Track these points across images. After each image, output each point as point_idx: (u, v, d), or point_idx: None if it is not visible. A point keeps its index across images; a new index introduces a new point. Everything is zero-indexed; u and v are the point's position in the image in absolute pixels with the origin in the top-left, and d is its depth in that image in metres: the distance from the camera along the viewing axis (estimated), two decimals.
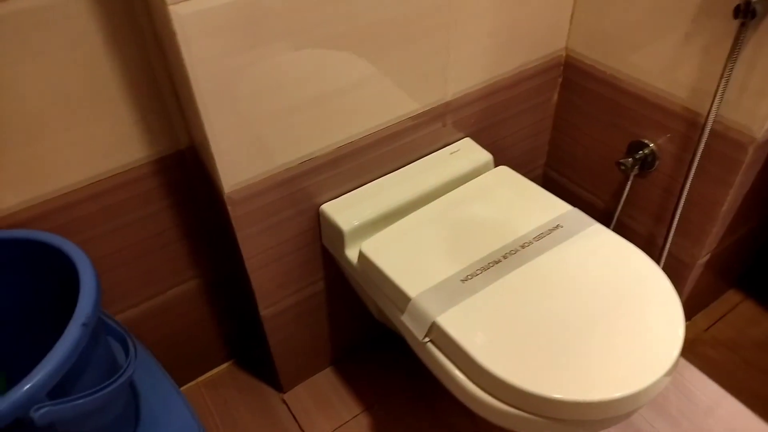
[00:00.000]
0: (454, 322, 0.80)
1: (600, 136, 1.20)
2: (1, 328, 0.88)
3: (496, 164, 1.11)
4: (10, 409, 0.63)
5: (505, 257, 0.88)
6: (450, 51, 0.98)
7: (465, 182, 1.05)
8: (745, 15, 0.83)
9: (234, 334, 1.29)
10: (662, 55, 1.01)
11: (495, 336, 0.78)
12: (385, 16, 0.86)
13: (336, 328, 1.24)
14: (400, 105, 0.98)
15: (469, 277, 0.85)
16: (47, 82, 0.78)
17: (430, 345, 0.83)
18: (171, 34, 0.71)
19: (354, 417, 1.21)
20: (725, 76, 0.89)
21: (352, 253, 0.97)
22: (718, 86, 0.91)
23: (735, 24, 0.88)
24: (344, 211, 0.98)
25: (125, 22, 0.79)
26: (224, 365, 1.32)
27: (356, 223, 0.96)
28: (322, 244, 1.06)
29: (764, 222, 1.26)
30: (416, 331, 0.83)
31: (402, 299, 0.85)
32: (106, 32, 0.79)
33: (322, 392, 1.26)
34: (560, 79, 1.22)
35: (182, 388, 1.27)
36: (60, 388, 0.68)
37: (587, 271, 0.86)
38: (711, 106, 0.93)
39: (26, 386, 0.64)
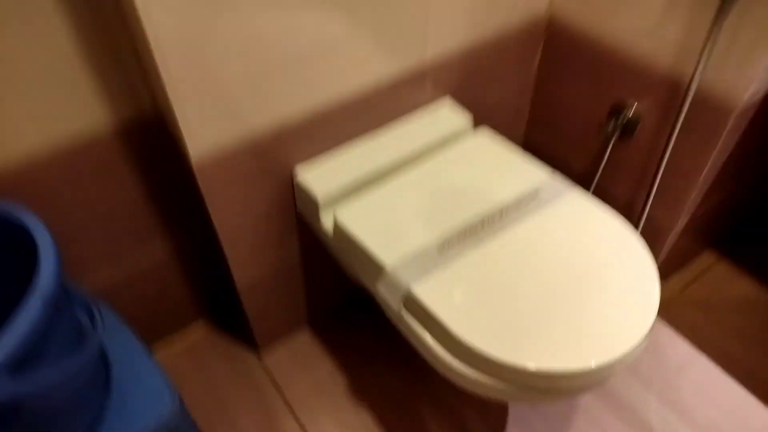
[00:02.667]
0: (429, 292, 0.79)
1: (582, 100, 1.18)
2: None
3: (477, 126, 1.09)
4: None
5: (483, 226, 0.87)
6: (429, 9, 0.94)
7: (445, 145, 1.03)
8: None
9: (209, 294, 1.28)
10: (647, 17, 0.98)
11: (470, 305, 0.77)
12: None
13: (313, 290, 1.23)
14: (379, 65, 0.95)
15: (446, 245, 0.84)
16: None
17: (405, 313, 0.82)
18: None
19: (331, 375, 1.22)
20: (710, 40, 0.87)
21: (327, 221, 0.95)
22: (703, 51, 0.88)
23: None
24: (319, 177, 0.95)
25: None
26: (200, 326, 1.31)
27: (331, 190, 0.94)
28: (297, 211, 1.03)
29: (741, 186, 1.26)
30: (391, 300, 0.82)
31: (377, 268, 0.84)
32: None
33: (299, 351, 1.26)
34: (542, 42, 1.18)
35: (157, 352, 1.26)
36: (21, 363, 0.67)
37: (564, 239, 0.86)
38: (695, 71, 0.91)
39: None
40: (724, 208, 1.28)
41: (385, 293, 0.83)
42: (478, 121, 1.19)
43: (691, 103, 0.96)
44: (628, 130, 1.10)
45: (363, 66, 0.93)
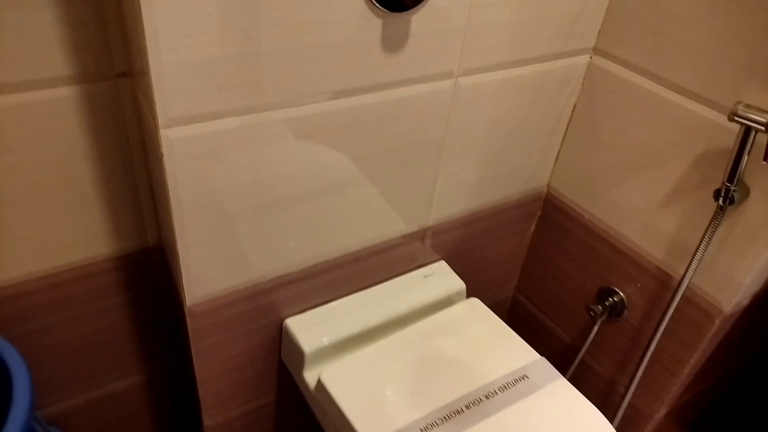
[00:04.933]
0: None
1: (571, 274, 1.21)
2: None
3: (468, 285, 1.10)
4: None
5: (467, 407, 0.86)
6: (438, 181, 0.98)
7: (436, 309, 1.04)
8: (724, 200, 0.86)
9: (178, 427, 1.21)
10: (642, 212, 1.03)
11: None
12: (382, 146, 0.86)
13: None
14: (382, 225, 0.97)
15: (428, 427, 0.82)
16: (19, 175, 0.74)
17: None
18: (158, 155, 0.69)
19: None
20: (701, 248, 0.91)
21: (310, 376, 0.93)
22: (693, 256, 0.92)
23: (714, 204, 0.91)
24: (308, 329, 0.95)
25: (111, 126, 0.77)
26: None
27: (319, 345, 0.92)
28: (280, 357, 1.01)
29: (722, 376, 1.27)
30: None
31: None
32: (89, 132, 0.76)
33: None
34: (539, 212, 1.23)
35: None
36: None
37: None
38: (685, 273, 0.94)
39: None
40: (701, 399, 1.29)
41: None
42: (470, 280, 1.20)
43: (678, 302, 0.99)
44: (616, 313, 1.13)
45: (368, 224, 0.96)
